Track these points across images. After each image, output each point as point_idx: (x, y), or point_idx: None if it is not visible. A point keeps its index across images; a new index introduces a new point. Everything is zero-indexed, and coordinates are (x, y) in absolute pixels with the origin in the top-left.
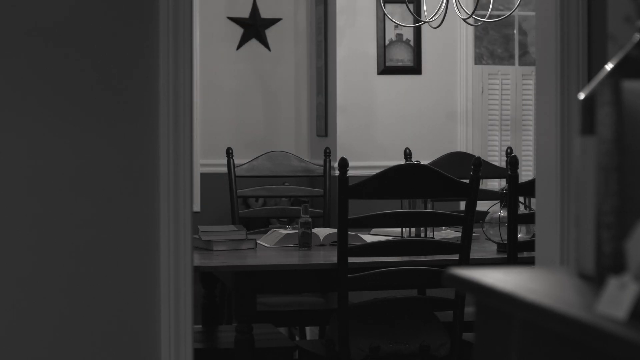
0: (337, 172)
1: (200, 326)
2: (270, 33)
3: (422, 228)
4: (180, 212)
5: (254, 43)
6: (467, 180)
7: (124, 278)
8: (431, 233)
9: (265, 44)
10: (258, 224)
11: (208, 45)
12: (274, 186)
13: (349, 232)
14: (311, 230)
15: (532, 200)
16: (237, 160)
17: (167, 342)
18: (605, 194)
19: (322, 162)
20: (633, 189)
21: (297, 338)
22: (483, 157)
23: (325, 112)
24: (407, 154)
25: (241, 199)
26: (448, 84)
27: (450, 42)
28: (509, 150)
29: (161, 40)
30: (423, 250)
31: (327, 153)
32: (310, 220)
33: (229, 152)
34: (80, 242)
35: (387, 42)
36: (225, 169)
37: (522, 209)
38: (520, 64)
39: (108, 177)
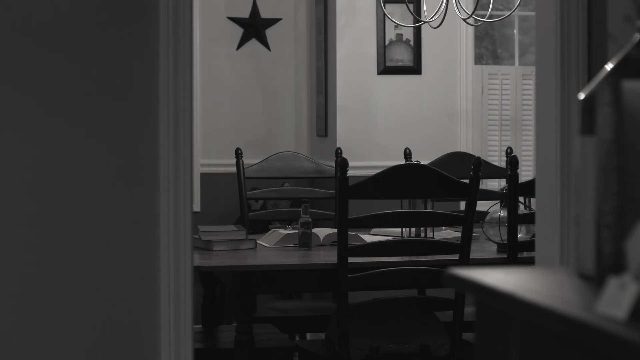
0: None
1: (200, 326)
2: (270, 33)
3: (422, 228)
4: (180, 212)
5: (254, 43)
6: (467, 180)
7: (124, 278)
8: (431, 233)
9: (265, 44)
10: (265, 227)
11: (208, 45)
12: (284, 188)
13: (349, 232)
14: (311, 230)
15: (532, 200)
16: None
17: (167, 342)
18: (605, 194)
19: (331, 163)
20: (633, 189)
21: (297, 338)
22: (483, 157)
23: (325, 112)
24: (407, 154)
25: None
26: (448, 84)
27: (450, 42)
28: (509, 150)
29: (161, 41)
30: (423, 250)
31: (339, 153)
32: (310, 220)
33: (238, 153)
34: (80, 242)
35: (387, 42)
36: (228, 169)
37: (522, 209)
38: (520, 64)
39: (108, 177)
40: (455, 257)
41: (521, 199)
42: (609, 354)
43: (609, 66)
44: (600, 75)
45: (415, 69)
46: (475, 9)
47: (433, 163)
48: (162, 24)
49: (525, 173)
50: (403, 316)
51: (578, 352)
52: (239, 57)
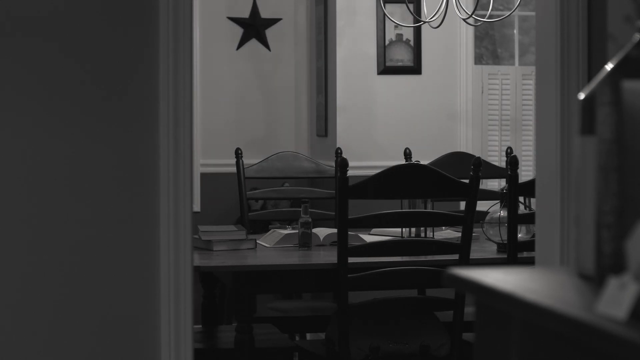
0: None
1: (200, 326)
2: (270, 33)
3: (422, 228)
4: (180, 212)
5: (254, 43)
6: (467, 180)
7: (124, 278)
8: (431, 233)
9: (265, 44)
10: (265, 227)
11: (208, 45)
12: (284, 188)
13: (349, 232)
14: (311, 230)
15: (532, 200)
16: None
17: (167, 342)
18: (605, 194)
19: (331, 163)
20: (633, 189)
21: (297, 338)
22: (483, 157)
23: (325, 112)
24: (407, 154)
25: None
26: (448, 84)
27: (450, 42)
28: (509, 150)
29: (161, 41)
30: (423, 250)
31: (339, 153)
32: (310, 220)
33: (238, 153)
34: (80, 242)
35: (387, 42)
36: (228, 169)
37: (522, 209)
38: (520, 64)
39: (108, 177)
40: (455, 257)
41: (521, 199)
42: (609, 354)
43: (609, 66)
44: (600, 75)
45: (415, 69)
46: (475, 9)
47: (433, 163)
48: (162, 24)
49: (525, 173)
50: (403, 316)
51: (578, 352)
52: (239, 57)
